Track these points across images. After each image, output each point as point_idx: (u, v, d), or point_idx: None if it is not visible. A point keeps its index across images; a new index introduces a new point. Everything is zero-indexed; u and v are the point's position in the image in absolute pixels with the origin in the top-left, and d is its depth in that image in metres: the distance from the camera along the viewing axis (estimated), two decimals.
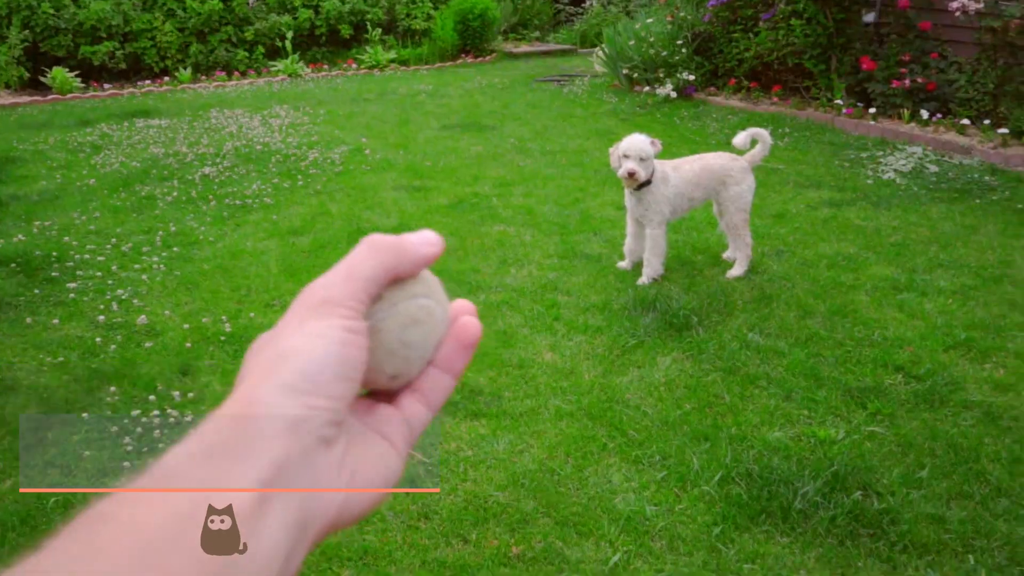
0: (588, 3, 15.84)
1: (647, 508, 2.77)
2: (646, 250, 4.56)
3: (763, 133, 4.65)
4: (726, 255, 4.92)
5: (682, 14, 9.31)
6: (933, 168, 6.40)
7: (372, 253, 0.47)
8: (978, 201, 5.73)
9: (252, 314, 4.31)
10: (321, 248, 5.17)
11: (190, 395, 3.55)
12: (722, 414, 3.37)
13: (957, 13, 6.98)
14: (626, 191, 4.56)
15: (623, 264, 4.79)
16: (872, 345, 3.87)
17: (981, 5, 6.90)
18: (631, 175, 4.33)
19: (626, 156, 4.34)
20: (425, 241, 0.49)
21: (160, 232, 5.47)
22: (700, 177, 4.58)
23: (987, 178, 6.16)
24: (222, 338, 4.05)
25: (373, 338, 0.47)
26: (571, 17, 16.54)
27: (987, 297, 4.32)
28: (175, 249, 5.21)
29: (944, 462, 3.01)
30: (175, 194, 6.26)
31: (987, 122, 6.98)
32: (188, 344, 3.99)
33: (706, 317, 4.16)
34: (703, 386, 3.57)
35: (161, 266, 4.95)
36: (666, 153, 4.79)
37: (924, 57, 7.59)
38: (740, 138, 4.62)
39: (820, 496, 2.79)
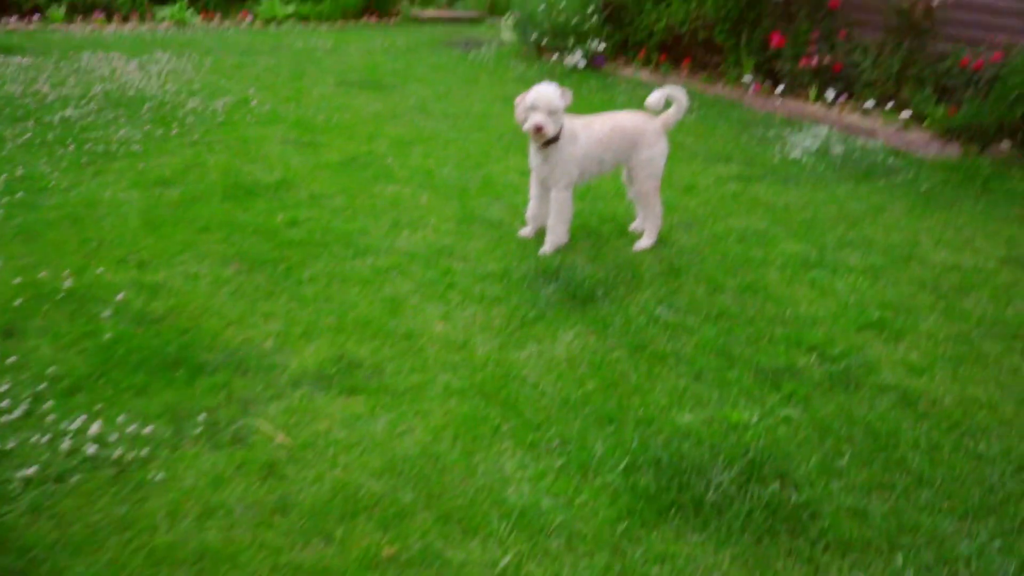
0: None
1: (543, 500, 2.43)
2: (551, 215, 4.21)
3: (678, 93, 4.34)
4: (633, 226, 4.64)
5: None
6: (839, 148, 6.30)
7: None
8: (883, 182, 5.64)
9: (101, 269, 3.75)
10: (192, 201, 4.62)
11: (10, 360, 3.00)
12: (628, 394, 3.07)
13: None
14: (531, 149, 4.19)
15: (525, 231, 4.44)
16: (784, 323, 3.64)
17: None
18: (538, 129, 3.95)
19: (534, 108, 3.96)
20: None
21: (3, 175, 4.79)
22: (611, 137, 4.25)
23: (890, 160, 6.10)
24: (60, 295, 3.49)
25: None
26: None
27: (897, 276, 4.17)
28: (19, 195, 4.56)
29: (863, 449, 2.79)
30: (28, 136, 5.54)
31: (890, 105, 6.95)
32: (17, 302, 3.41)
33: (612, 289, 3.85)
34: (608, 363, 3.26)
35: None
36: None
37: (832, 36, 7.52)
38: (654, 97, 4.29)
39: (735, 487, 2.51)
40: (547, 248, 4.19)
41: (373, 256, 4.08)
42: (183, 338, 3.25)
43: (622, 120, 4.32)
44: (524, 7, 9.46)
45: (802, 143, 6.37)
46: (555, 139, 4.05)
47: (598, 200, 5.02)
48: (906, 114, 6.75)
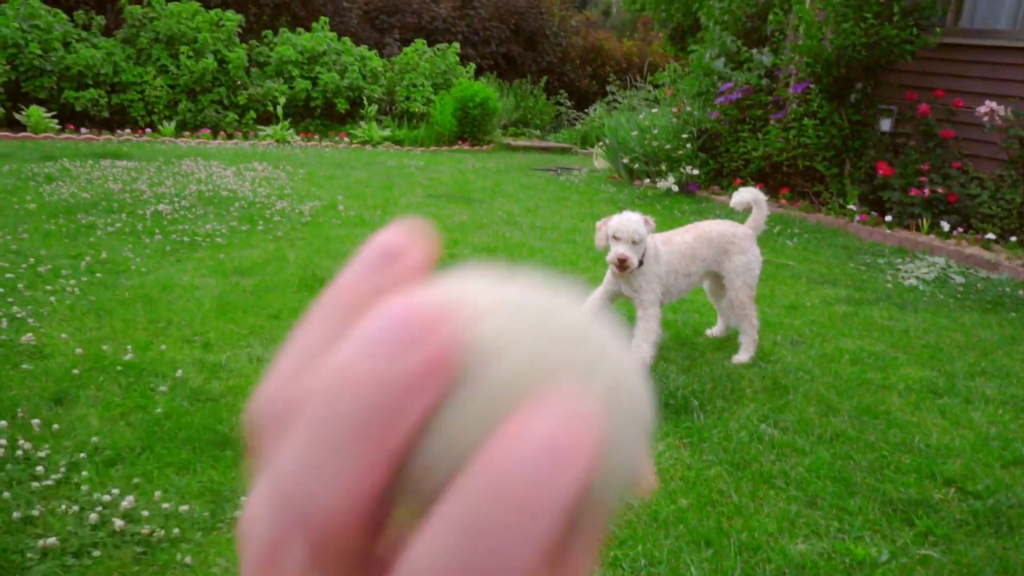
0: (592, 108, 15.71)
1: None
2: (637, 333, 3.83)
3: (758, 195, 4.05)
4: (712, 332, 4.29)
5: (689, 109, 8.95)
6: (958, 279, 5.82)
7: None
8: (1014, 315, 5.11)
9: (164, 346, 3.56)
10: (267, 290, 4.47)
11: (55, 427, 2.78)
12: (728, 516, 2.62)
13: (984, 118, 6.57)
14: (609, 272, 3.90)
15: None
16: (912, 452, 3.15)
17: (1010, 112, 6.49)
18: (622, 262, 3.65)
19: (616, 238, 3.67)
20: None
21: (88, 258, 4.77)
22: (696, 248, 3.94)
23: (1020, 293, 5.56)
24: (118, 368, 3.29)
25: None
26: (573, 121, 16.39)
27: None
28: (98, 275, 4.50)
29: None
30: (119, 225, 5.58)
31: (1013, 239, 6.46)
32: (75, 371, 3.23)
33: (709, 402, 3.44)
34: (704, 480, 2.83)
35: (76, 290, 4.22)
36: None
37: (945, 167, 7.15)
38: (737, 197, 4.03)
39: None
40: None
41: None
42: (237, 419, 2.98)
43: (706, 228, 4.02)
44: (616, 134, 9.46)
45: (917, 272, 5.91)
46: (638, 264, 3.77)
47: (692, 312, 4.66)
48: None
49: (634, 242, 3.66)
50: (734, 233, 3.99)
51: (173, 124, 11.09)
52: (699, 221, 4.19)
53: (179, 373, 3.30)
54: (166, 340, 3.66)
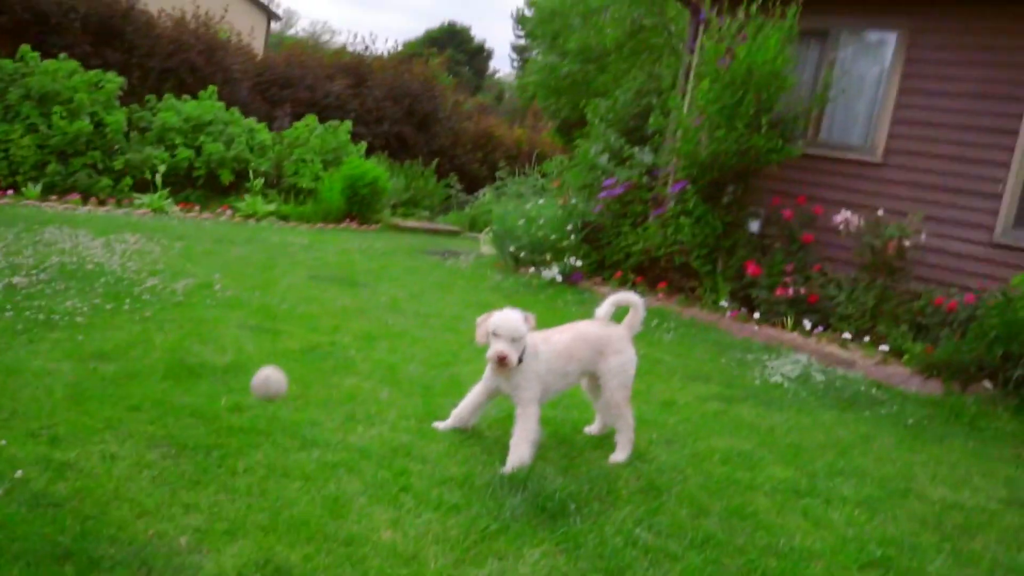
0: (482, 191, 15.99)
1: None
2: (515, 433, 3.80)
3: (631, 297, 4.17)
4: (590, 429, 4.34)
5: (574, 201, 9.21)
6: (819, 376, 6.12)
7: None
8: (867, 413, 5.39)
9: (3, 441, 3.28)
10: (128, 378, 4.21)
11: None
12: None
13: (840, 227, 7.03)
14: (489, 367, 3.91)
15: (440, 424, 4.13)
16: (777, 555, 3.22)
17: (862, 223, 6.98)
18: (501, 360, 3.67)
19: (496, 335, 3.70)
20: None
21: None
22: (572, 348, 4.00)
23: (873, 391, 5.90)
24: None
25: None
26: (463, 204, 16.60)
27: (896, 511, 3.80)
28: None
29: None
30: None
31: (867, 339, 6.87)
32: None
33: (586, 505, 3.42)
34: None
35: None
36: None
37: (806, 269, 7.59)
38: (602, 308, 4.14)
39: None
40: (508, 467, 3.72)
41: (321, 450, 3.66)
42: (83, 527, 2.75)
43: (583, 329, 4.11)
44: (504, 222, 9.61)
45: (782, 368, 6.18)
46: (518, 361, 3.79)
47: (572, 408, 4.69)
48: (884, 347, 6.66)
49: (514, 339, 3.68)
50: (610, 334, 4.08)
51: (39, 186, 10.54)
52: (579, 321, 4.26)
53: (19, 473, 3.03)
54: (7, 434, 3.37)
